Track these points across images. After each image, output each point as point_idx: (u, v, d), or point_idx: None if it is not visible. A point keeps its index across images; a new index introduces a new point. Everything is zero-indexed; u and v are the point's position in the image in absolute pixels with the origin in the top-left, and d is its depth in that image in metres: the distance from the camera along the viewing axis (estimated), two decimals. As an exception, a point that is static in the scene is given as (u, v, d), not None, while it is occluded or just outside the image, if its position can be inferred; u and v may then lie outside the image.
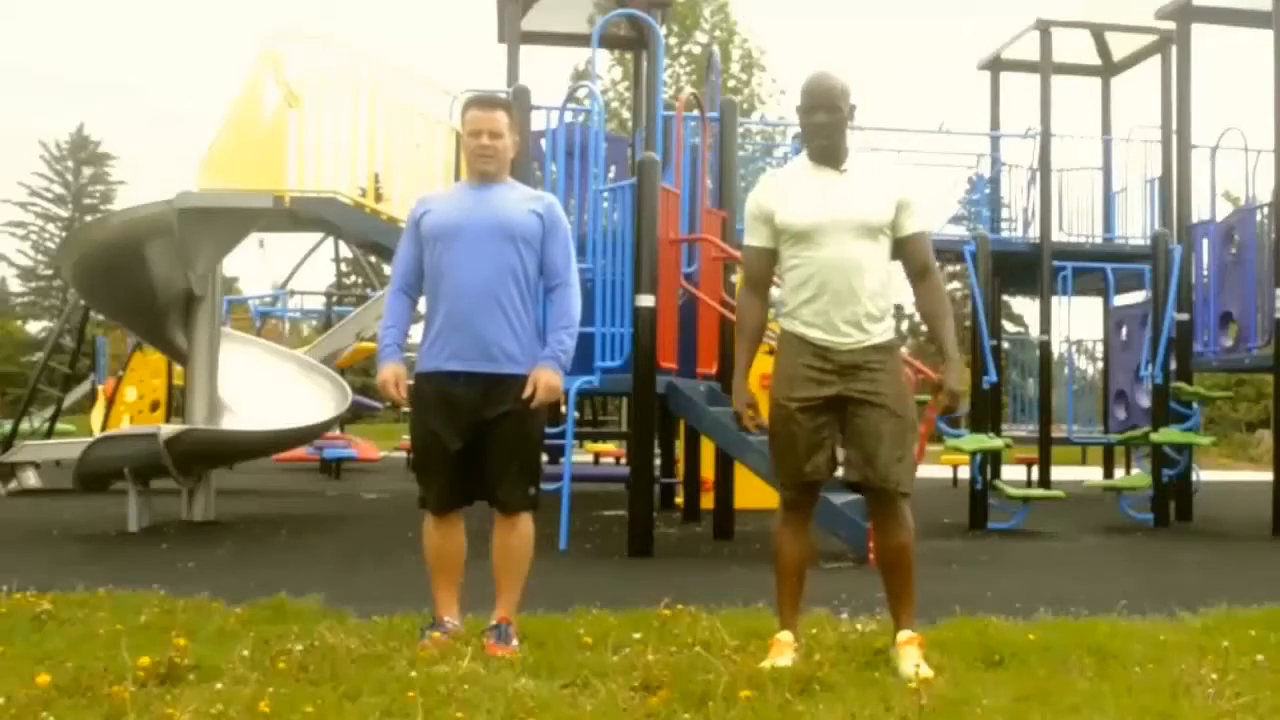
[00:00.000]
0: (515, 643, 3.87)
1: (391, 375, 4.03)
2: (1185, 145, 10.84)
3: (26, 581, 5.07)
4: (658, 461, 9.10)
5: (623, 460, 15.83)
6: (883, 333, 3.85)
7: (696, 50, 31.00)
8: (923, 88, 68.77)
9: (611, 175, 9.98)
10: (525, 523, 4.05)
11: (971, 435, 9.22)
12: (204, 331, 8.71)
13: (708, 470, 8.92)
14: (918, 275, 3.94)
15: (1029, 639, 4.06)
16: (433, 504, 4.06)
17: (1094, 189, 13.64)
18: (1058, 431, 12.71)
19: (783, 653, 3.71)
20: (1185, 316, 10.24)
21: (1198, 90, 10.85)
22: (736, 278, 8.83)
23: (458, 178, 9.52)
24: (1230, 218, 10.60)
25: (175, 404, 13.43)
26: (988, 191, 13.46)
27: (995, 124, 13.85)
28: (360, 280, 24.36)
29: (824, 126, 3.81)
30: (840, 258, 3.77)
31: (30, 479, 11.40)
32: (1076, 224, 13.48)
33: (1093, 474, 14.25)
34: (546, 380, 3.97)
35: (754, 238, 3.94)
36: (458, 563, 4.12)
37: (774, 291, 4.19)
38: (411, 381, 4.13)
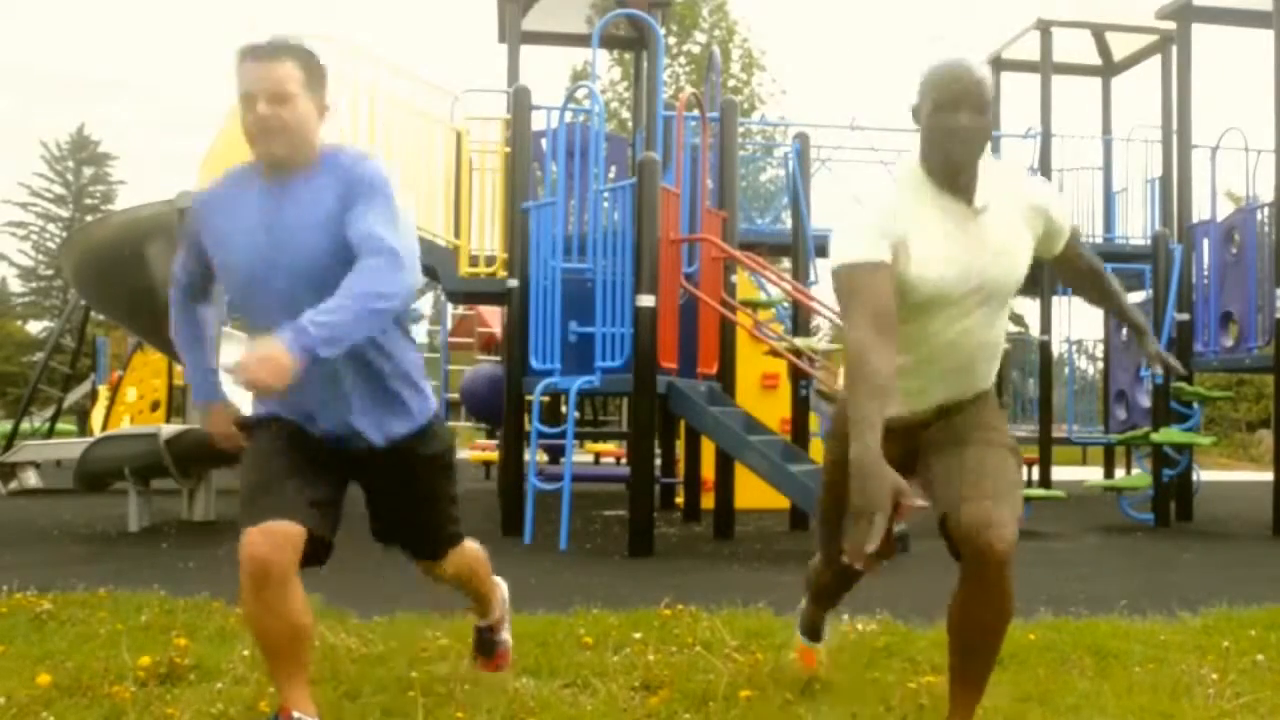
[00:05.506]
0: (504, 637, 3.50)
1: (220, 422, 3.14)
2: (1185, 145, 10.85)
3: (26, 581, 5.07)
4: (658, 461, 9.10)
5: (623, 460, 15.83)
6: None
7: (696, 50, 30.99)
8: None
9: (611, 175, 9.98)
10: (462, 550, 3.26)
11: (972, 435, 9.21)
12: (204, 331, 8.69)
13: (708, 470, 8.92)
14: (1092, 274, 3.10)
15: (1029, 639, 4.06)
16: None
17: (1094, 189, 13.64)
18: (1058, 431, 12.70)
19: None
20: (1185, 316, 10.24)
21: (1198, 90, 10.85)
22: (736, 277, 8.83)
23: (458, 180, 9.51)
24: (1231, 218, 10.59)
25: (175, 404, 13.44)
26: (988, 191, 13.44)
27: (995, 124, 13.85)
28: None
29: (968, 133, 2.66)
30: (967, 333, 2.76)
31: (30, 479, 11.41)
32: (1076, 224, 13.48)
33: (1093, 474, 14.26)
34: (264, 352, 2.48)
35: (876, 250, 2.65)
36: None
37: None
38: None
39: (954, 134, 2.66)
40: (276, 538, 2.64)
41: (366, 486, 3.12)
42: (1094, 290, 3.14)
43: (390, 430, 2.97)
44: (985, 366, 2.86)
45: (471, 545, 3.27)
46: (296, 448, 2.88)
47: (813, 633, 3.56)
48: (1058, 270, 3.06)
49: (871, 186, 2.82)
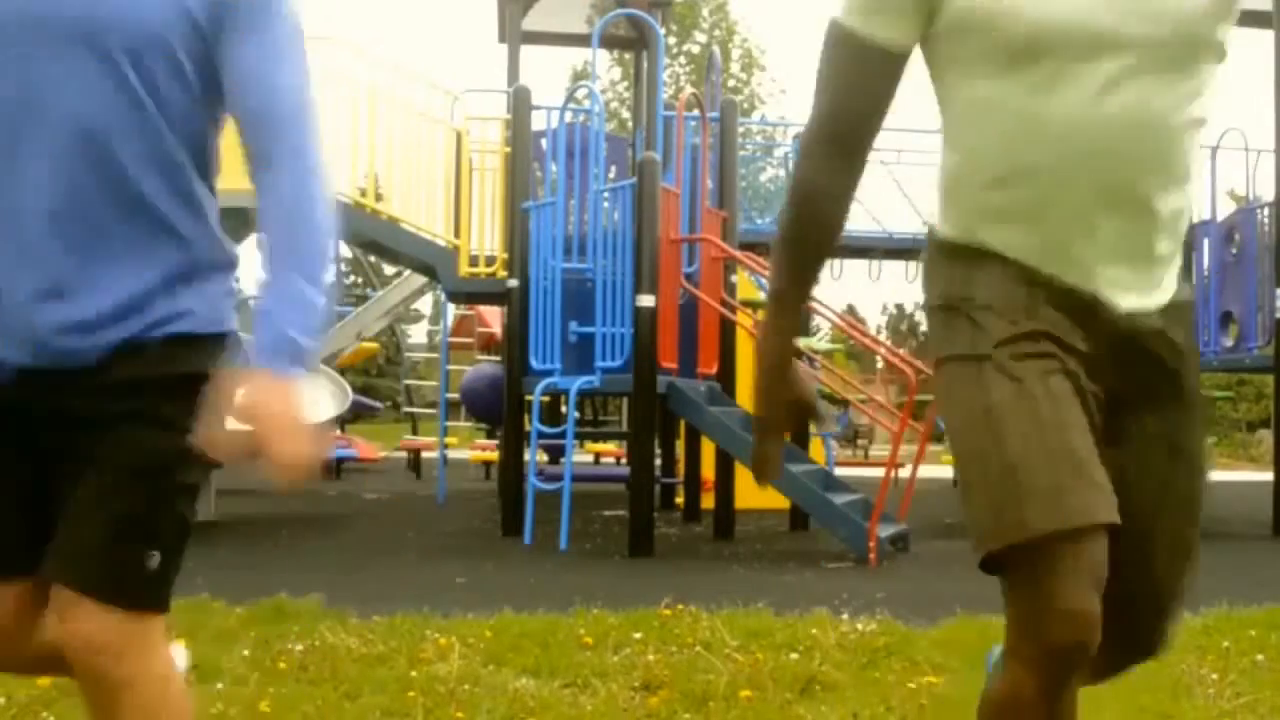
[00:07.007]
0: None
1: None
2: (1185, 145, 10.85)
3: (27, 581, 5.07)
4: (658, 461, 9.10)
5: (623, 460, 15.83)
6: (1178, 278, 1.70)
7: (696, 50, 31.01)
8: (924, 87, 68.84)
9: (611, 175, 9.97)
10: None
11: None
12: (204, 331, 8.69)
13: (708, 470, 8.92)
14: None
15: (1029, 639, 4.05)
16: None
17: (1094, 189, 13.64)
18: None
19: None
20: (1185, 316, 10.24)
21: (1198, 90, 10.84)
22: (736, 277, 8.83)
23: (458, 180, 9.51)
24: (1231, 217, 10.59)
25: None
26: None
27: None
28: (360, 280, 24.37)
29: None
30: (1125, 112, 1.55)
31: (30, 479, 11.41)
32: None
33: (1093, 474, 14.23)
34: (274, 401, 1.66)
35: (871, 21, 1.67)
36: None
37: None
38: None
39: None
40: None
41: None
42: None
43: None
44: (1165, 196, 1.59)
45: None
46: None
47: None
48: None
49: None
